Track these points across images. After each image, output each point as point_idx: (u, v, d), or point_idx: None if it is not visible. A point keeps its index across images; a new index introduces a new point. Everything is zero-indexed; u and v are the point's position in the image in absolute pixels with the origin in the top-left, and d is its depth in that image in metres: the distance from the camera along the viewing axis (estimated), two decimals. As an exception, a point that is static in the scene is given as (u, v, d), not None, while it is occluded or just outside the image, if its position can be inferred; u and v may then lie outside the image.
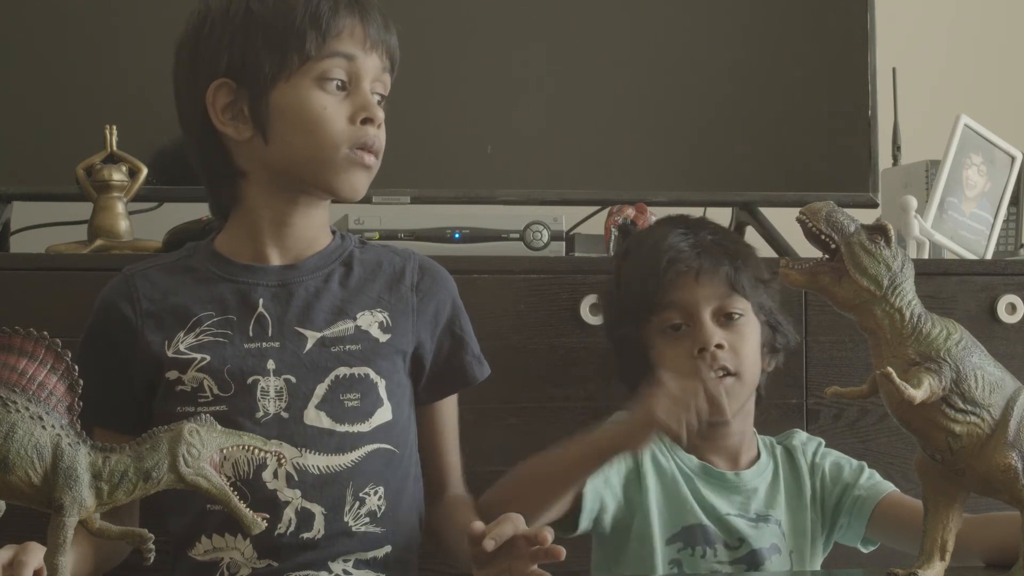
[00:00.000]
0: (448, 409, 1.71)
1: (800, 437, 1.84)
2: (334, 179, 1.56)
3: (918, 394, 1.24)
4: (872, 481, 1.77)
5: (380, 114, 1.57)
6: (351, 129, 1.55)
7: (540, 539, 1.34)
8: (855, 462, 1.80)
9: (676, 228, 1.80)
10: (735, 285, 1.74)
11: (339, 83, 1.56)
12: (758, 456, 1.80)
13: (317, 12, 1.55)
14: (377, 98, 1.60)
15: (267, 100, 1.55)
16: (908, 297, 1.29)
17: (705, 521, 1.72)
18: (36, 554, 1.30)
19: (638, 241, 1.85)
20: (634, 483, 1.74)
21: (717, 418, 1.73)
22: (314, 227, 1.63)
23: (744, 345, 1.73)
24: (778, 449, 1.82)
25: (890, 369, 1.23)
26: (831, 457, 1.81)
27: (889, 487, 1.76)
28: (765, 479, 1.77)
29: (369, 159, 1.57)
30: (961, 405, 1.27)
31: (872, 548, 1.78)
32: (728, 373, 1.71)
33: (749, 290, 1.75)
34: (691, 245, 1.75)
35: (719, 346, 1.71)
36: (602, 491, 1.70)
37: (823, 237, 1.28)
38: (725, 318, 1.74)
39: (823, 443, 1.83)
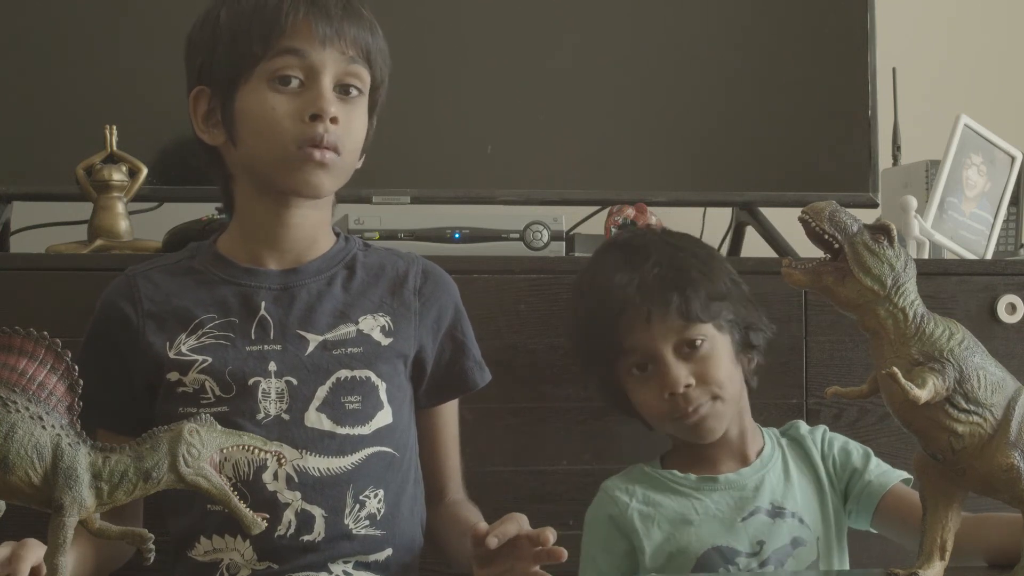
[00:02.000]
0: (448, 414, 1.71)
1: (804, 427, 1.83)
2: (289, 178, 1.55)
3: (923, 394, 1.23)
4: (881, 469, 1.76)
5: (330, 108, 1.54)
6: (299, 127, 1.53)
7: (543, 540, 1.34)
8: (861, 447, 1.80)
9: (620, 263, 1.76)
10: (688, 316, 1.71)
11: (298, 81, 1.54)
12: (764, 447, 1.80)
13: (263, 11, 1.54)
14: (354, 92, 1.58)
15: (232, 104, 1.55)
16: (911, 297, 1.29)
17: (716, 542, 1.71)
18: (35, 550, 1.30)
19: (588, 280, 1.81)
20: (631, 559, 1.73)
21: (707, 440, 1.73)
22: (311, 228, 1.62)
23: (714, 369, 1.72)
24: (783, 440, 1.81)
25: (895, 369, 1.23)
26: (839, 442, 1.81)
27: (897, 476, 1.75)
28: (774, 470, 1.77)
29: (321, 155, 1.54)
30: (964, 405, 1.27)
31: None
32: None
33: (705, 314, 1.72)
34: (636, 287, 1.72)
35: (688, 385, 1.70)
36: None
37: (826, 237, 1.28)
38: (688, 347, 1.72)
39: (827, 429, 1.83)
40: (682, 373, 1.71)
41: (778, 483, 1.76)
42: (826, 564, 1.72)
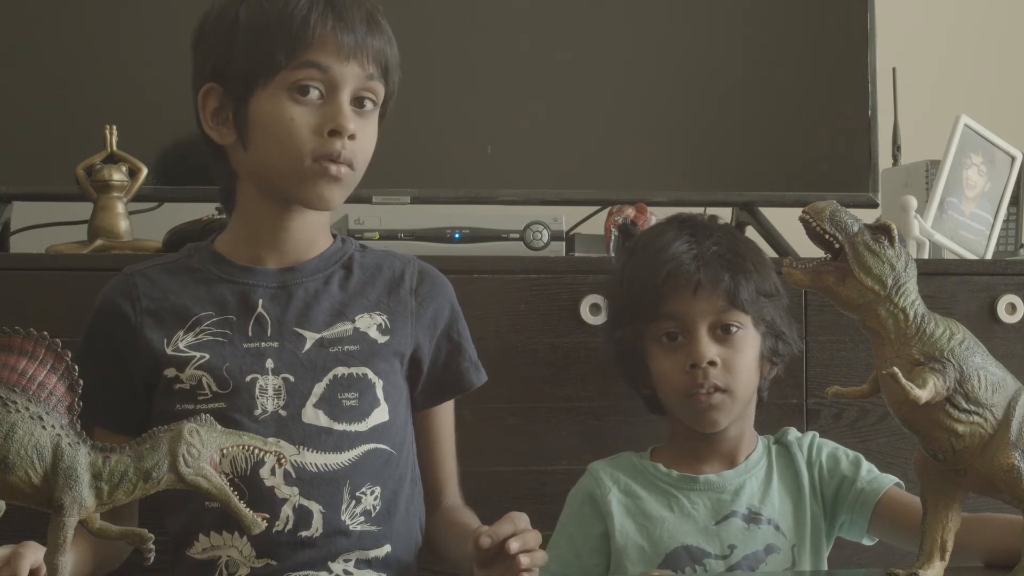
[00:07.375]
0: (445, 416, 1.71)
1: (794, 432, 1.83)
2: (301, 190, 1.56)
3: (923, 394, 1.24)
4: (872, 475, 1.76)
5: (350, 125, 1.54)
6: (317, 140, 1.53)
7: (505, 549, 1.34)
8: (851, 453, 1.80)
9: (682, 234, 1.78)
10: (734, 300, 1.73)
11: (317, 92, 1.54)
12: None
13: (290, 21, 1.53)
14: (369, 105, 1.58)
15: (246, 107, 1.55)
16: (911, 297, 1.29)
17: (686, 541, 1.71)
18: (34, 551, 1.31)
19: (644, 243, 1.83)
20: (604, 541, 1.74)
21: (708, 431, 1.74)
22: (311, 230, 1.63)
23: (739, 360, 1.73)
24: (774, 447, 1.81)
25: (896, 369, 1.23)
26: (827, 449, 1.80)
27: (889, 481, 1.75)
28: (756, 476, 1.77)
29: (337, 170, 1.54)
30: (965, 405, 1.27)
31: (875, 540, 1.78)
32: (719, 390, 1.71)
33: (749, 304, 1.73)
34: (693, 256, 1.74)
35: (712, 363, 1.71)
36: (575, 569, 1.71)
37: (827, 237, 1.28)
38: (722, 330, 1.73)
39: (817, 435, 1.83)
40: (711, 349, 1.71)
41: (758, 489, 1.76)
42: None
